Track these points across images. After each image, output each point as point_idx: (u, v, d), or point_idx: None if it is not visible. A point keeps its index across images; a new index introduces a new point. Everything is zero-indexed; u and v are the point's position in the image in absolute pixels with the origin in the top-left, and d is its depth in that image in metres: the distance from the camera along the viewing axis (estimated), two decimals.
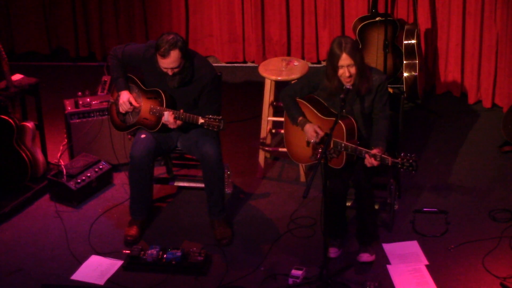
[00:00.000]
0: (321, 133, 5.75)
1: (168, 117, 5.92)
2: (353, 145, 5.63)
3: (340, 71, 5.63)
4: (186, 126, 6.01)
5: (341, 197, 5.86)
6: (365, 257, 5.82)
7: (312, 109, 5.86)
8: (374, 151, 5.58)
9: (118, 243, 6.13)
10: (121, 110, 6.10)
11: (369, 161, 5.59)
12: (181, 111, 5.92)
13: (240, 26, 8.25)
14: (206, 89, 6.02)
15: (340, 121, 5.66)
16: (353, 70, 5.62)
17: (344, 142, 5.66)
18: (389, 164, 5.54)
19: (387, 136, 5.75)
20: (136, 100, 6.12)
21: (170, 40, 5.83)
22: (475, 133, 7.28)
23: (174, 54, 5.84)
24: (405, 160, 5.50)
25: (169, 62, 5.86)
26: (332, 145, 5.69)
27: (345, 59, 5.59)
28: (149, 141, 6.09)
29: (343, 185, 5.82)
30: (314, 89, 5.89)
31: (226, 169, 6.39)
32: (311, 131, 5.79)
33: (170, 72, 5.91)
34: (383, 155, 5.55)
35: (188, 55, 5.95)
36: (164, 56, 5.84)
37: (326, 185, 5.54)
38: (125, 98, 6.07)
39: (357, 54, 5.62)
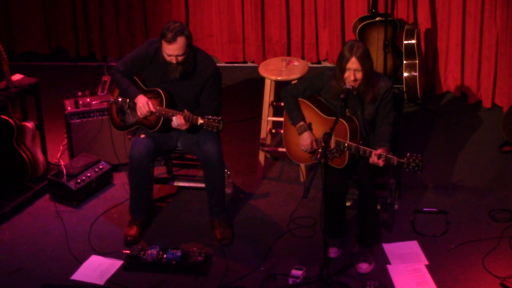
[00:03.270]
0: (315, 147, 5.77)
1: (178, 120, 5.88)
2: (357, 145, 5.63)
3: (346, 74, 5.63)
4: (192, 127, 5.98)
5: (341, 197, 5.86)
6: (364, 268, 5.79)
7: (314, 108, 5.86)
8: (379, 150, 5.59)
9: (118, 243, 6.13)
10: (139, 114, 6.03)
11: (374, 160, 5.58)
12: (185, 111, 5.90)
13: (240, 26, 8.25)
14: (208, 83, 6.01)
15: (343, 121, 5.67)
16: (359, 75, 5.62)
17: (348, 141, 5.66)
18: (395, 164, 5.55)
19: (390, 139, 5.76)
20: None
21: (177, 27, 5.82)
22: (475, 133, 7.28)
23: (181, 41, 5.83)
24: (411, 160, 5.51)
25: (175, 48, 5.84)
26: (334, 145, 5.69)
27: (353, 63, 5.59)
28: (149, 141, 6.08)
29: (343, 185, 5.81)
30: (317, 92, 5.89)
31: (226, 169, 6.39)
32: (308, 141, 5.81)
33: (174, 61, 5.89)
34: (388, 155, 5.56)
35: (192, 47, 5.95)
36: (171, 42, 5.82)
37: (326, 185, 5.54)
38: (144, 101, 5.98)
39: (367, 61, 5.61)
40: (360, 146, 5.64)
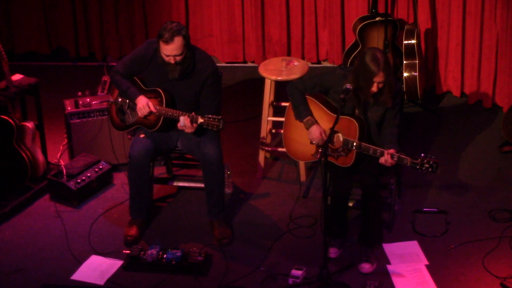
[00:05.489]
0: (326, 138, 5.74)
1: (184, 121, 5.88)
2: (367, 144, 5.62)
3: (373, 86, 5.60)
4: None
5: (344, 196, 5.85)
6: (367, 268, 5.79)
7: (321, 105, 5.84)
8: (391, 151, 5.58)
9: (118, 243, 6.13)
10: (140, 114, 6.03)
11: (386, 159, 5.57)
12: (193, 114, 5.89)
13: (240, 26, 8.25)
14: (208, 82, 6.01)
15: (353, 120, 5.66)
16: (382, 85, 5.61)
17: (356, 140, 5.65)
18: (408, 164, 5.53)
19: (398, 141, 5.75)
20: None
21: (174, 27, 5.82)
22: (475, 133, 7.28)
23: (178, 41, 5.82)
24: (425, 161, 5.49)
25: (172, 48, 5.83)
26: (342, 143, 5.68)
27: (381, 77, 5.55)
28: (148, 141, 6.08)
29: (347, 183, 5.81)
30: (326, 90, 5.87)
31: (226, 169, 6.39)
32: (317, 133, 5.78)
33: (172, 61, 5.88)
34: (401, 155, 5.54)
35: (190, 46, 5.95)
36: (168, 42, 5.82)
37: (326, 185, 5.53)
38: (144, 102, 5.98)
39: (390, 71, 5.58)
40: (371, 146, 5.62)
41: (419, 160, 5.52)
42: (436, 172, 5.53)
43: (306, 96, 5.89)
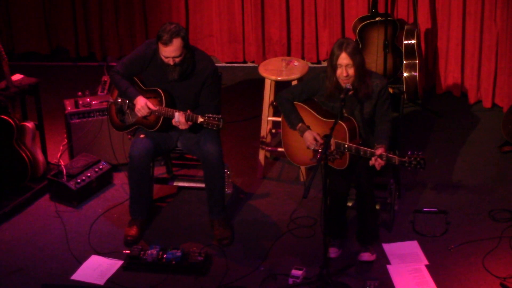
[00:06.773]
0: (321, 141, 5.76)
1: (179, 117, 5.89)
2: (357, 146, 5.63)
3: (338, 71, 5.63)
4: (192, 126, 5.99)
5: (343, 196, 5.86)
6: (366, 256, 5.82)
7: (311, 111, 5.85)
8: (379, 150, 5.59)
9: (118, 243, 6.14)
10: (140, 115, 6.04)
11: (375, 161, 5.58)
12: (188, 111, 5.90)
13: (240, 26, 8.25)
14: (207, 82, 6.02)
15: (341, 122, 5.67)
16: (351, 71, 5.62)
17: (347, 143, 5.66)
18: (396, 163, 5.55)
19: (390, 136, 5.76)
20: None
21: (172, 29, 5.82)
22: (475, 133, 7.28)
23: (177, 42, 5.83)
24: (412, 158, 5.51)
25: (171, 50, 5.84)
26: (334, 147, 5.69)
27: (343, 58, 5.59)
28: (148, 141, 6.08)
29: (345, 186, 5.81)
30: (313, 94, 5.89)
31: (226, 169, 6.39)
32: (311, 138, 5.80)
33: (171, 62, 5.88)
34: (389, 155, 5.56)
35: (189, 47, 5.95)
36: (167, 44, 5.82)
37: (326, 185, 5.54)
38: (142, 103, 5.99)
39: (357, 57, 5.61)
40: (361, 147, 5.63)
41: (406, 158, 5.53)
42: (424, 168, 5.54)
43: (298, 103, 5.90)
